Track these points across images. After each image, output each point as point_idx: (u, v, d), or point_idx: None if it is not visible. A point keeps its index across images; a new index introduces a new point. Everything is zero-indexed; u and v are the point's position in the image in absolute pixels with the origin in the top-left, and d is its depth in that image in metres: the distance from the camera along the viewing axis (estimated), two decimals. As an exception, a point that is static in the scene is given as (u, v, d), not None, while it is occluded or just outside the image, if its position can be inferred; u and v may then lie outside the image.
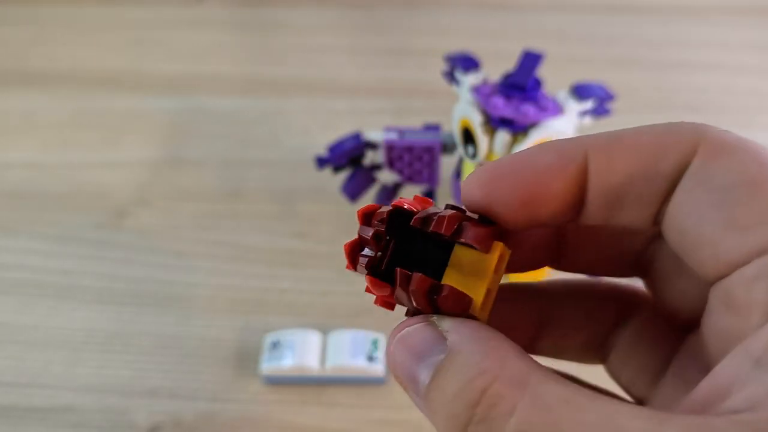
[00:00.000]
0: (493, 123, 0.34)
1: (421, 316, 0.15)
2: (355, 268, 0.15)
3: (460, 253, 0.15)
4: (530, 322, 0.19)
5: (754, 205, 0.13)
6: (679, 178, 0.14)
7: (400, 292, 0.15)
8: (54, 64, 0.59)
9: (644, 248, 0.18)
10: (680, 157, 0.14)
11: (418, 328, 0.15)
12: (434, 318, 0.15)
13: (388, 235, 0.15)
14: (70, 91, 0.56)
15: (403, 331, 0.15)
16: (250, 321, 0.38)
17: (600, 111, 0.35)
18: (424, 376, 0.14)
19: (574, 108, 0.34)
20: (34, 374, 0.35)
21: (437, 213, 0.15)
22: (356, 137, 0.39)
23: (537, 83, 0.34)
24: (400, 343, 0.15)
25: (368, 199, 0.41)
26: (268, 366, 0.34)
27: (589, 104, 0.35)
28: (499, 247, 0.15)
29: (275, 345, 0.35)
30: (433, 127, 0.40)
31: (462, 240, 0.14)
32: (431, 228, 0.15)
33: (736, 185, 0.13)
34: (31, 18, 0.66)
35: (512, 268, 0.18)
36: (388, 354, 0.15)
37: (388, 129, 0.39)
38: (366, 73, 0.58)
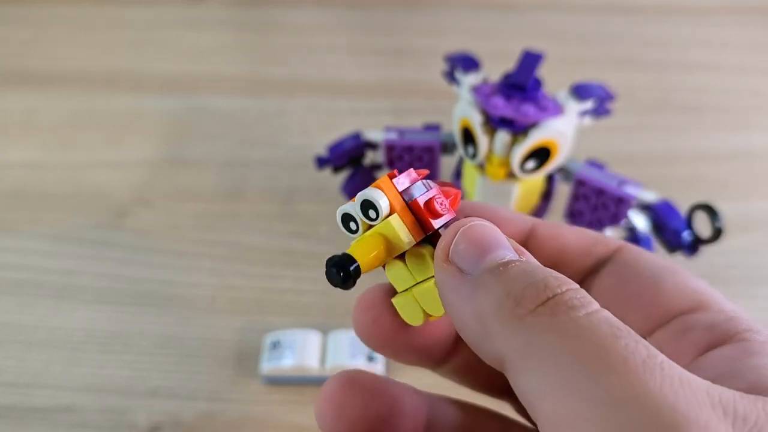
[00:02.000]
0: (493, 123, 0.34)
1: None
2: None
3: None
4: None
5: (676, 280, 0.18)
6: (604, 263, 0.19)
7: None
8: (54, 64, 0.59)
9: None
10: (608, 250, 0.19)
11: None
12: None
13: None
14: (70, 91, 0.56)
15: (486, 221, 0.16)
16: (250, 321, 0.38)
17: (600, 111, 0.35)
18: (503, 251, 0.15)
19: (574, 108, 0.34)
20: (34, 374, 0.35)
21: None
22: (356, 137, 0.39)
23: (537, 83, 0.34)
24: (479, 224, 0.16)
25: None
26: (268, 366, 0.34)
27: (589, 104, 0.35)
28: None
29: (275, 345, 0.35)
30: (433, 127, 0.40)
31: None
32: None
33: (660, 268, 0.18)
34: (31, 18, 0.66)
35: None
36: (453, 226, 0.16)
37: (388, 129, 0.39)
38: (366, 73, 0.58)
